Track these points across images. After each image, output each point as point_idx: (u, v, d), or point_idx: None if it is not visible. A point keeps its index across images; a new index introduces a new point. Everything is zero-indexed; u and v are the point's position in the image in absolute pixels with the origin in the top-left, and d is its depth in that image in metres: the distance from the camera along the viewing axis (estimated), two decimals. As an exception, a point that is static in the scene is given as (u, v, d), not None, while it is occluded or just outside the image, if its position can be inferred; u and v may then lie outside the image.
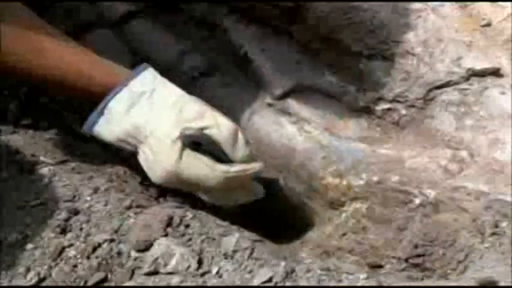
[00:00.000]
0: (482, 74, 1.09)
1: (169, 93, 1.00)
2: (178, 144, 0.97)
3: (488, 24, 1.14)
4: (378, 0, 1.17)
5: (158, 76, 1.01)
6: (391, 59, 1.15)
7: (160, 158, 0.97)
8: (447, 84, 1.10)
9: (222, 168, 0.98)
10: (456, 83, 1.10)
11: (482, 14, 1.15)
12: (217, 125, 0.98)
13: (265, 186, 1.06)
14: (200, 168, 0.98)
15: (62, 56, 0.98)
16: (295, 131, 1.15)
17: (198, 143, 0.98)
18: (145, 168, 1.00)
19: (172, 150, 0.97)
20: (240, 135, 1.00)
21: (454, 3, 1.17)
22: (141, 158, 1.00)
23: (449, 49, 1.12)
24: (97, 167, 1.03)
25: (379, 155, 1.07)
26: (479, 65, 1.09)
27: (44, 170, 0.98)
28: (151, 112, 0.98)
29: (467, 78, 1.09)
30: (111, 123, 0.99)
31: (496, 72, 1.09)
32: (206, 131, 0.98)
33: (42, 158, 1.01)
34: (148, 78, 1.00)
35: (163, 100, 0.99)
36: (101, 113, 0.99)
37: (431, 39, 1.13)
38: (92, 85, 0.99)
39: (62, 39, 1.00)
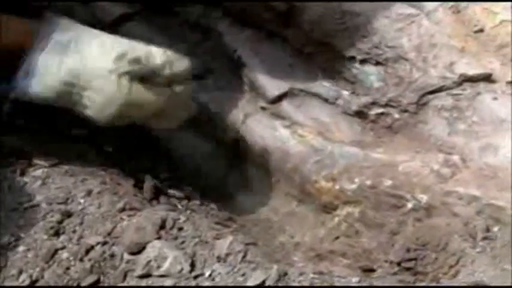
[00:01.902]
0: (474, 79, 1.10)
1: (94, 35, 1.01)
2: (126, 78, 0.98)
3: (481, 30, 1.15)
4: (369, 0, 1.18)
5: (75, 23, 1.02)
6: (384, 63, 1.15)
7: (110, 95, 0.98)
8: (440, 90, 1.10)
9: (168, 92, 1.01)
10: (449, 88, 1.10)
11: (475, 20, 1.16)
12: (150, 53, 1.01)
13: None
14: (149, 96, 1.00)
15: None
16: (289, 135, 1.15)
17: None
18: (91, 112, 0.99)
19: (120, 85, 0.98)
20: (171, 56, 1.03)
21: (447, 9, 1.18)
22: (84, 105, 0.99)
23: (442, 54, 1.13)
24: (90, 170, 1.02)
25: (372, 159, 1.08)
26: (472, 71, 1.10)
27: (37, 172, 0.98)
28: (85, 57, 0.98)
29: (459, 84, 1.10)
30: (45, 80, 0.97)
31: (488, 78, 1.09)
32: (143, 61, 1.00)
33: (35, 160, 1.00)
34: (67, 26, 1.00)
35: (91, 43, 0.99)
36: (32, 74, 0.97)
37: (425, 44, 1.14)
38: (8, 44, 0.97)
39: None
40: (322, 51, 1.20)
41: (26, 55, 0.97)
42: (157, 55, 1.02)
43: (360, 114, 1.14)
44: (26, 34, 0.99)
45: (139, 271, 0.86)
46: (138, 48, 1.02)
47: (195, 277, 0.85)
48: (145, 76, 1.00)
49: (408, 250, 0.96)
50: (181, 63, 1.04)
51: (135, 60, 1.00)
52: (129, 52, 1.00)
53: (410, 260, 0.96)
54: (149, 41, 1.28)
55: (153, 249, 0.87)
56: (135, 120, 1.04)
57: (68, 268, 0.86)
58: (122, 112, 0.99)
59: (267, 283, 0.84)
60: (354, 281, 0.87)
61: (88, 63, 0.98)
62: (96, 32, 1.02)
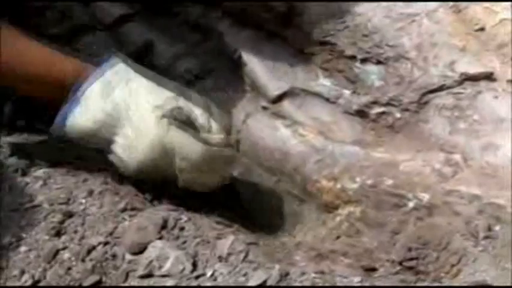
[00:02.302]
0: (475, 78, 1.09)
1: (143, 76, 1.01)
2: (164, 119, 0.97)
3: (482, 29, 1.15)
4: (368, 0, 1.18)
5: (130, 65, 1.01)
6: (385, 63, 1.15)
7: (146, 133, 0.97)
8: (441, 88, 1.10)
9: (204, 138, 0.99)
10: (450, 87, 1.10)
11: (476, 18, 1.16)
12: (193, 101, 1.01)
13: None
14: (185, 139, 0.98)
15: (31, 51, 0.98)
16: (290, 135, 1.15)
17: (177, 119, 0.99)
18: (123, 152, 0.99)
19: (158, 124, 0.97)
20: (214, 109, 1.02)
21: (447, 8, 1.18)
22: (118, 145, 0.99)
23: (442, 53, 1.12)
24: (92, 170, 1.02)
25: (373, 159, 1.07)
26: (473, 70, 1.10)
27: (39, 172, 0.98)
28: (129, 95, 0.98)
29: (460, 83, 1.10)
30: (88, 110, 0.97)
31: (489, 77, 1.09)
32: (185, 108, 1.00)
33: (36, 160, 1.01)
34: (121, 68, 1.00)
35: (139, 83, 0.99)
36: (77, 102, 0.97)
37: (425, 43, 1.14)
38: (65, 76, 0.98)
39: (31, 39, 0.99)
40: (322, 50, 1.20)
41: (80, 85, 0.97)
42: (199, 104, 1.01)
43: (361, 113, 1.14)
44: (85, 67, 0.99)
45: (141, 271, 0.86)
46: (185, 92, 1.02)
47: (197, 277, 0.85)
48: (185, 123, 0.99)
49: (410, 249, 0.96)
50: (222, 119, 1.03)
51: (179, 109, 0.99)
52: (175, 96, 1.00)
53: (411, 259, 0.96)
54: (150, 41, 1.29)
55: (155, 249, 0.87)
56: (165, 173, 1.01)
57: (69, 268, 0.86)
58: (153, 152, 0.97)
59: (269, 283, 0.84)
60: (356, 280, 0.87)
61: (130, 101, 0.98)
62: (146, 72, 1.02)
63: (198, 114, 1.00)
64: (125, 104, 0.97)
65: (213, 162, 1.01)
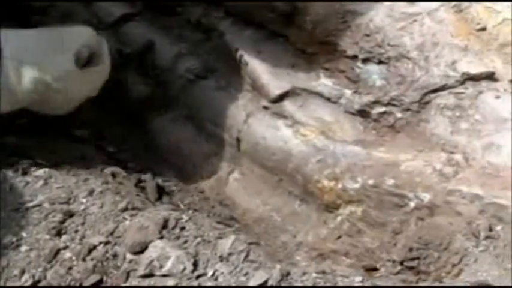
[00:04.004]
0: (477, 78, 1.09)
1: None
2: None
3: (483, 29, 1.15)
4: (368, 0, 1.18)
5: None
6: (386, 62, 1.15)
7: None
8: (442, 88, 1.10)
9: None
10: (451, 87, 1.10)
11: (478, 18, 1.15)
12: None
13: None
14: None
15: None
16: (291, 134, 1.15)
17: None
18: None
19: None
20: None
21: (449, 8, 1.18)
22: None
23: (444, 53, 1.12)
24: (92, 169, 1.02)
25: (375, 158, 1.07)
26: (474, 69, 1.09)
27: (40, 172, 0.98)
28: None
29: (462, 82, 1.10)
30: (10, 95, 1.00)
31: (490, 76, 1.09)
32: None
33: (37, 160, 1.01)
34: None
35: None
36: None
37: (427, 43, 1.14)
38: None
39: None
40: (324, 50, 1.19)
41: None
42: None
43: (362, 113, 1.14)
44: None
45: (141, 271, 0.86)
46: None
47: (198, 277, 0.85)
48: None
49: (411, 249, 0.96)
50: None
51: None
52: None
53: (413, 259, 0.96)
54: (151, 40, 1.29)
55: (156, 248, 0.87)
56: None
57: (70, 268, 0.86)
58: None
59: (270, 283, 0.84)
60: (357, 280, 0.87)
61: None
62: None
63: None
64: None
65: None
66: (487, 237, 0.93)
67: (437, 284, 0.91)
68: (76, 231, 0.90)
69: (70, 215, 0.91)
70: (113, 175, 1.03)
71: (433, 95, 1.10)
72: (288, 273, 0.85)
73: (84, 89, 1.07)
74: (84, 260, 0.87)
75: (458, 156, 1.04)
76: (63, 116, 1.15)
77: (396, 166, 1.05)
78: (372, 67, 1.15)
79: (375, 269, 0.98)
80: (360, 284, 0.85)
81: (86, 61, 1.05)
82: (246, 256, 0.88)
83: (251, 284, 0.84)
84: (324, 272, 0.88)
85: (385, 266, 0.97)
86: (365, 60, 1.16)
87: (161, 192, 1.04)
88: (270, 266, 0.87)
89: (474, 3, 1.17)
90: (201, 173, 1.16)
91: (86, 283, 0.85)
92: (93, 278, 0.85)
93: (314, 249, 1.04)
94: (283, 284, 0.84)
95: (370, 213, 1.04)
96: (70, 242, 0.88)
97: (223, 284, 0.85)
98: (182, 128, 1.19)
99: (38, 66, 1.01)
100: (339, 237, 1.05)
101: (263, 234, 1.06)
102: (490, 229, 0.94)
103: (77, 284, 0.84)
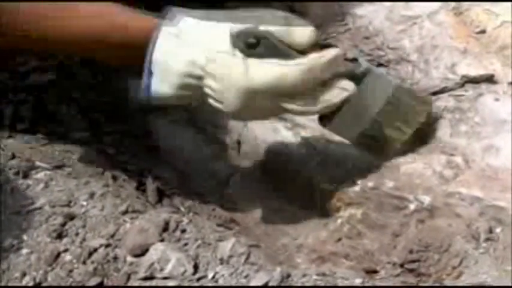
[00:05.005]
0: (476, 80, 1.10)
1: (198, 18, 0.93)
2: (238, 55, 0.90)
3: (483, 31, 1.15)
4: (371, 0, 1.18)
5: (181, 10, 0.94)
6: (386, 65, 1.15)
7: (227, 79, 0.90)
8: (442, 91, 1.11)
9: (291, 62, 0.90)
10: (451, 90, 1.10)
11: (477, 21, 1.16)
12: (262, 20, 0.92)
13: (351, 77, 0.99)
14: (270, 71, 0.90)
15: (89, 11, 0.92)
16: (291, 137, 1.15)
17: (252, 46, 0.91)
18: (216, 103, 0.93)
19: (235, 64, 0.90)
20: (296, 20, 0.94)
21: (448, 10, 1.18)
22: (208, 97, 0.93)
23: (444, 56, 1.13)
24: (93, 172, 1.03)
25: (374, 161, 1.07)
26: (474, 72, 1.10)
27: (40, 175, 0.98)
28: (195, 44, 0.91)
29: (462, 85, 1.10)
30: (166, 75, 0.91)
31: (490, 79, 1.10)
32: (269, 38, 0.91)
33: (38, 163, 1.01)
34: (175, 15, 0.93)
35: (196, 28, 0.92)
36: (150, 73, 0.92)
37: (426, 46, 1.14)
38: (129, 36, 0.92)
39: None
40: (324, 52, 1.19)
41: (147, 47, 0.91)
42: (272, 18, 0.93)
43: (362, 115, 1.14)
44: (146, 23, 0.93)
45: (142, 273, 0.86)
46: (250, 16, 0.93)
47: (198, 279, 0.85)
48: (261, 46, 0.91)
49: (411, 251, 0.96)
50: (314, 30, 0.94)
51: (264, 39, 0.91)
52: (240, 21, 0.92)
53: (413, 261, 0.96)
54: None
55: (156, 251, 0.87)
56: (265, 109, 0.94)
57: (71, 271, 0.86)
58: (245, 95, 0.90)
59: (270, 285, 0.84)
60: (357, 282, 0.87)
61: (197, 50, 0.91)
62: (198, 13, 0.94)
63: (276, 30, 0.91)
64: (194, 53, 0.91)
65: (313, 83, 0.93)
66: (486, 240, 0.94)
67: (437, 285, 0.91)
68: (77, 234, 0.90)
69: (71, 217, 0.91)
70: (114, 178, 1.03)
71: (432, 98, 1.10)
72: (289, 275, 0.86)
73: None
74: (84, 262, 0.87)
75: (458, 159, 1.04)
76: (64, 117, 1.15)
77: (396, 168, 1.06)
78: (372, 70, 1.15)
79: (375, 271, 0.98)
80: (361, 285, 0.86)
81: None
82: (247, 258, 0.88)
83: (252, 285, 0.84)
84: (324, 274, 0.88)
85: (385, 268, 0.97)
86: (365, 63, 1.16)
87: (162, 194, 1.04)
88: (270, 268, 0.87)
89: (473, 6, 1.17)
90: (201, 175, 1.16)
91: (87, 285, 0.85)
92: (94, 281, 0.85)
93: (314, 251, 1.04)
94: (283, 285, 0.84)
95: (370, 216, 1.04)
96: (71, 244, 0.89)
97: (224, 286, 0.85)
98: (183, 130, 1.19)
99: None
100: (339, 239, 1.05)
101: (263, 236, 1.06)
102: (490, 231, 0.94)
103: (78, 286, 0.84)
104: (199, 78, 0.92)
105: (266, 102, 0.93)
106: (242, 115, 0.96)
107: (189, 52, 0.91)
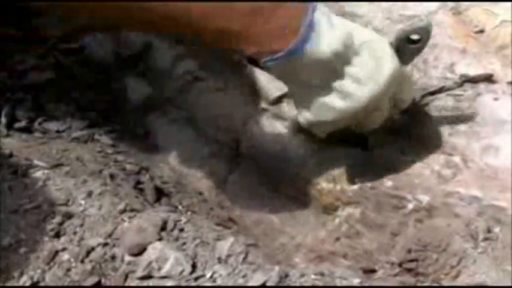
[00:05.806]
0: (475, 80, 1.10)
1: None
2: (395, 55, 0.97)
3: (482, 31, 1.15)
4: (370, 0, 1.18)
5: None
6: (385, 64, 1.15)
7: (386, 65, 0.95)
8: (441, 90, 1.11)
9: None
10: (450, 89, 1.10)
11: (476, 21, 1.16)
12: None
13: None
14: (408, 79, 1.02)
15: None
16: (290, 136, 1.15)
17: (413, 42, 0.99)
18: (352, 84, 0.95)
19: (394, 57, 0.96)
20: None
21: (447, 10, 1.18)
22: (348, 76, 0.96)
23: (442, 55, 1.13)
24: (91, 171, 1.02)
25: (373, 160, 1.08)
26: (473, 71, 1.10)
27: (38, 174, 0.98)
28: (347, 25, 0.96)
29: (460, 84, 1.10)
30: (325, 35, 0.93)
31: (489, 79, 1.10)
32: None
33: (36, 162, 1.00)
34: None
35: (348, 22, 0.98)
36: (311, 28, 0.93)
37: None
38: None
39: None
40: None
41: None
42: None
43: (361, 115, 1.14)
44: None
45: (140, 272, 0.86)
46: None
47: (196, 278, 0.85)
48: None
49: (409, 251, 0.96)
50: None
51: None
52: None
53: (411, 261, 0.96)
54: (149, 42, 1.29)
55: (154, 250, 0.87)
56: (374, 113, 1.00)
57: (68, 270, 0.86)
58: (393, 77, 0.95)
59: (268, 284, 0.84)
60: (355, 282, 0.87)
61: (359, 33, 0.96)
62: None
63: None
64: (351, 30, 0.95)
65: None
66: (485, 239, 0.94)
67: (435, 285, 0.91)
68: (75, 233, 0.90)
69: (69, 216, 0.91)
70: (112, 177, 1.03)
71: (431, 97, 1.10)
72: (287, 275, 0.85)
73: None
74: (82, 261, 0.87)
75: (456, 158, 1.04)
76: (62, 116, 1.15)
77: (394, 168, 1.06)
78: (371, 69, 1.15)
79: (373, 271, 0.98)
80: (359, 285, 0.85)
81: None
82: (245, 258, 0.88)
83: (250, 285, 0.84)
84: (322, 274, 0.88)
85: (383, 268, 0.97)
86: (363, 62, 1.15)
87: (160, 194, 1.04)
88: (268, 267, 0.87)
89: (472, 6, 1.17)
90: (199, 174, 1.16)
91: (85, 285, 0.85)
92: (92, 280, 0.85)
93: (312, 251, 1.04)
94: (281, 285, 0.84)
95: (368, 215, 1.04)
96: (68, 243, 0.88)
97: (222, 286, 0.85)
98: (181, 129, 1.19)
99: None
100: (338, 239, 1.05)
101: (262, 236, 1.06)
102: (489, 231, 0.95)
103: (76, 286, 0.84)
104: (352, 53, 0.95)
105: (386, 101, 1.00)
106: (370, 101, 0.97)
107: (344, 28, 0.95)
